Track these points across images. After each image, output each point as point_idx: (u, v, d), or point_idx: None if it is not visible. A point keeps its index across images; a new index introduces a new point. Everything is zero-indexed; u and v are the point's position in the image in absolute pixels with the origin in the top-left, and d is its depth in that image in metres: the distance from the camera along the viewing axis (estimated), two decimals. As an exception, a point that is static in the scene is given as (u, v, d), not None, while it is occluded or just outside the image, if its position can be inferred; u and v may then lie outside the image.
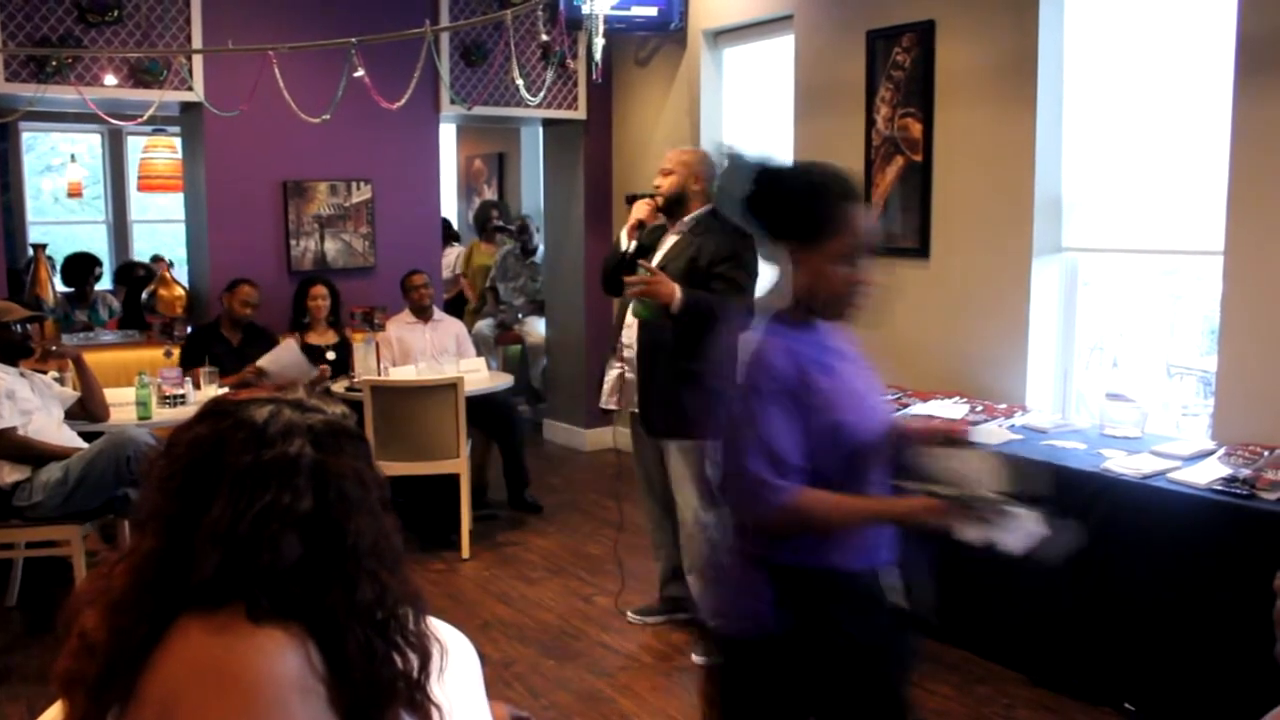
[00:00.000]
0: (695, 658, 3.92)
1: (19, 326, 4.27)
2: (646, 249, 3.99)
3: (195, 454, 1.20)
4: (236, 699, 1.10)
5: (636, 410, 3.98)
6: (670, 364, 3.79)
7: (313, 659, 1.15)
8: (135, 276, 7.83)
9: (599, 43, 3.53)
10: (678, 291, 3.67)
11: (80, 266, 7.51)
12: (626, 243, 3.98)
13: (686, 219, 3.93)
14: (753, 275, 3.81)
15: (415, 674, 1.23)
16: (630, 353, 3.94)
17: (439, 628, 1.38)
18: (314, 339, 5.70)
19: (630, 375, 3.96)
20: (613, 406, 4.09)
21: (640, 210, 3.95)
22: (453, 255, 8.56)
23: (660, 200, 3.92)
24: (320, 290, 5.71)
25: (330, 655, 1.16)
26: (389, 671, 1.20)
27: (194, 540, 1.15)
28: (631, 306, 3.85)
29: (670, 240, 3.95)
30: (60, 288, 7.46)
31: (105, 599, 1.20)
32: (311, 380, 5.19)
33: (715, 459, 3.28)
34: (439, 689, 1.26)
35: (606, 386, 4.06)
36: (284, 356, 5.09)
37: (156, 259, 7.74)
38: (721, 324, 3.71)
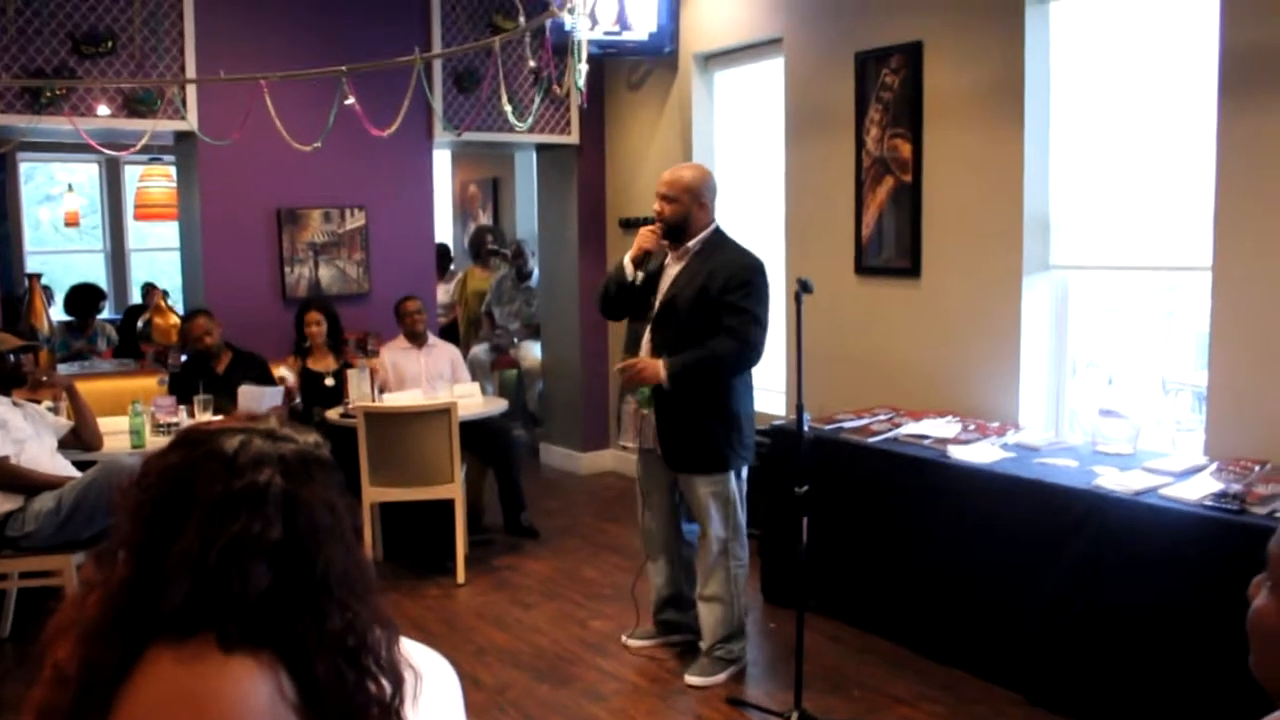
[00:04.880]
0: (688, 679, 3.91)
1: (12, 356, 4.28)
2: (652, 277, 3.94)
3: (166, 483, 1.20)
4: None
5: (649, 446, 3.95)
6: (688, 400, 3.79)
7: (284, 687, 1.15)
8: (130, 305, 7.88)
9: (582, 68, 3.54)
10: (662, 369, 3.71)
11: (85, 298, 7.56)
12: (632, 273, 3.93)
13: (691, 243, 3.85)
14: (765, 302, 3.80)
15: (388, 700, 1.23)
16: (643, 410, 3.92)
17: (417, 652, 1.37)
18: (314, 365, 5.71)
19: (645, 412, 3.92)
20: (632, 444, 4.06)
21: (646, 239, 3.87)
22: (454, 282, 8.61)
23: (662, 228, 3.84)
24: (315, 316, 5.71)
25: (302, 683, 1.16)
26: (361, 699, 1.20)
27: (164, 569, 1.15)
28: (636, 401, 3.87)
29: (675, 268, 3.88)
30: (62, 317, 7.52)
31: (77, 629, 1.20)
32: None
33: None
34: (414, 715, 1.26)
35: (625, 423, 4.03)
36: (248, 403, 5.03)
37: (150, 287, 7.78)
38: (719, 369, 3.73)
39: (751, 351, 3.75)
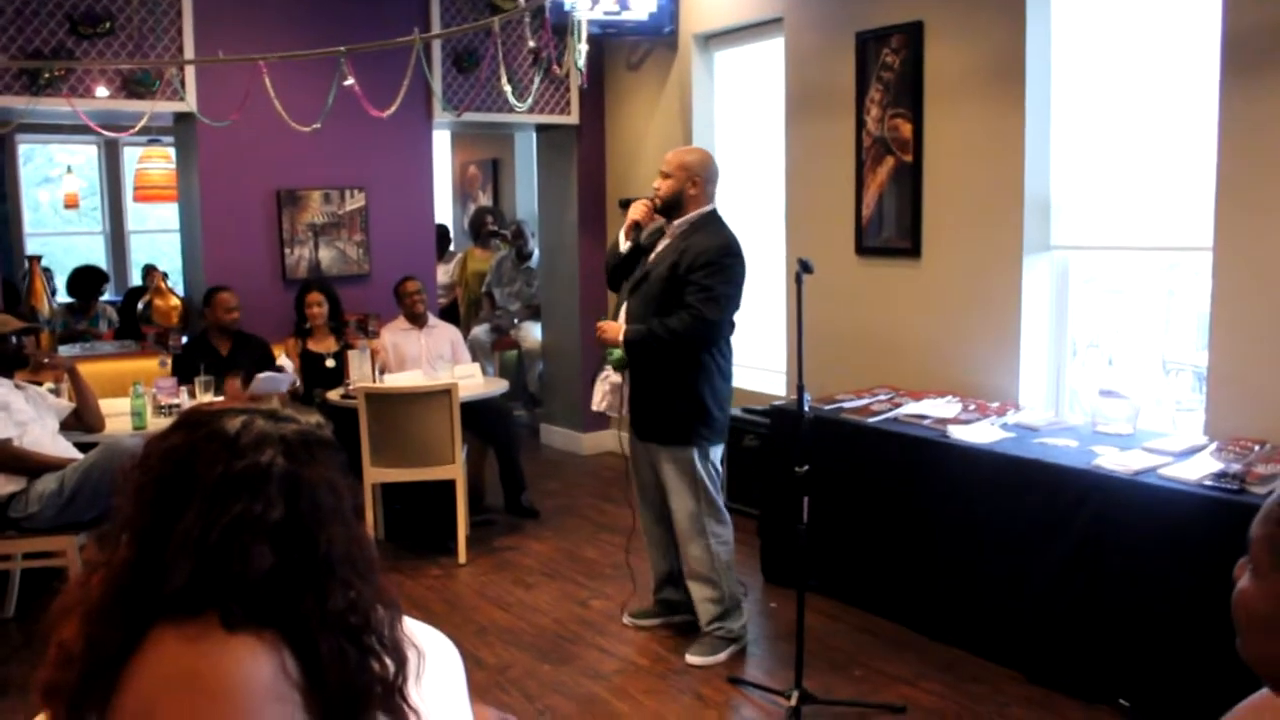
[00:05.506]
0: (689, 658, 3.93)
1: (14, 338, 4.28)
2: (645, 250, 4.02)
3: (168, 465, 1.21)
4: (210, 707, 1.10)
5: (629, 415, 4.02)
6: (658, 372, 3.84)
7: (287, 666, 1.16)
8: (131, 286, 7.88)
9: (582, 48, 3.54)
10: (621, 333, 3.84)
11: (88, 280, 7.56)
12: (624, 243, 4.02)
13: (679, 222, 3.93)
14: (732, 283, 3.83)
15: (391, 679, 1.23)
16: (615, 370, 3.99)
17: (419, 631, 1.38)
18: (315, 346, 5.72)
19: (618, 381, 3.99)
20: (605, 410, 4.12)
21: (636, 211, 3.97)
22: (453, 263, 8.61)
23: (657, 202, 3.93)
24: (316, 297, 5.73)
25: (305, 662, 1.17)
26: (364, 677, 1.20)
27: (166, 550, 1.16)
28: (610, 361, 3.98)
29: (663, 244, 3.97)
30: (64, 299, 7.52)
31: (82, 609, 1.20)
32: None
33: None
34: (417, 693, 1.27)
35: (597, 390, 4.10)
36: (263, 391, 5.06)
37: (150, 269, 7.79)
38: (673, 343, 3.75)
39: (707, 329, 3.78)
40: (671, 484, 3.94)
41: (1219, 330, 3.86)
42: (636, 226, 4.00)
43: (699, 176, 3.91)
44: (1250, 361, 3.75)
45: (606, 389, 4.06)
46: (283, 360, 5.47)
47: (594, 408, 4.17)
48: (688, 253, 3.82)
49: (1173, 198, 4.08)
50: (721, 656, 3.94)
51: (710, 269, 3.77)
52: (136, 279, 9.08)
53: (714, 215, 3.97)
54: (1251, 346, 3.74)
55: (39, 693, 1.22)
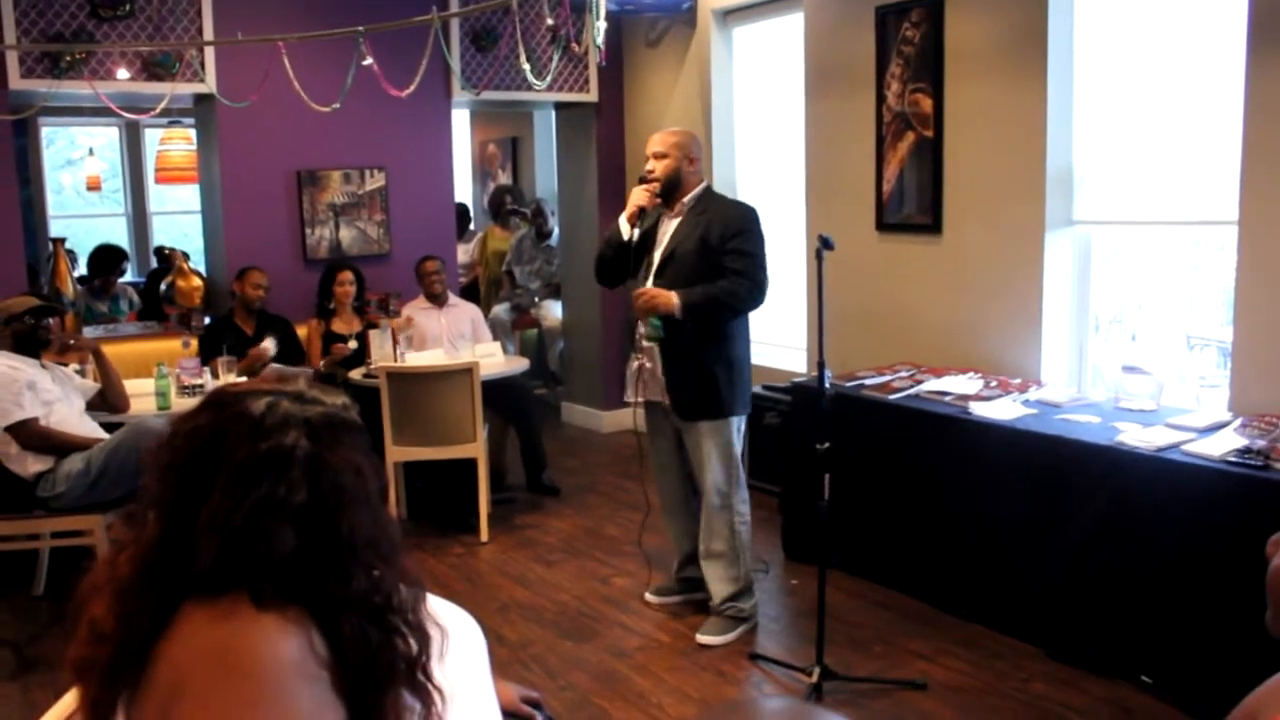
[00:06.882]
0: (700, 638, 3.94)
1: (27, 317, 4.29)
2: (645, 236, 4.00)
3: (194, 445, 1.22)
4: (240, 682, 1.12)
5: (654, 399, 4.00)
6: (694, 346, 3.83)
7: (315, 643, 1.17)
8: (153, 268, 7.92)
9: (601, 25, 3.52)
10: (674, 298, 3.76)
11: (107, 259, 7.60)
12: (629, 230, 3.98)
13: (686, 199, 3.94)
14: (762, 244, 3.90)
15: (415, 657, 1.25)
16: (648, 343, 3.96)
17: (443, 609, 1.39)
18: (338, 326, 5.74)
19: (649, 365, 3.97)
20: (634, 398, 4.09)
21: (641, 197, 3.93)
22: (473, 242, 8.61)
23: (657, 185, 3.91)
24: (347, 275, 5.77)
25: (331, 641, 1.18)
26: (388, 656, 1.21)
27: (193, 530, 1.17)
28: (644, 332, 3.91)
29: (673, 224, 3.95)
30: (83, 274, 7.56)
31: (112, 587, 1.22)
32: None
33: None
34: (440, 671, 1.28)
35: (630, 381, 4.08)
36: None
37: (162, 250, 7.83)
38: (726, 308, 3.77)
39: (759, 291, 3.84)
40: (708, 459, 3.92)
41: (1244, 305, 3.82)
42: (642, 212, 3.97)
43: (693, 154, 3.95)
44: (1276, 337, 3.72)
45: (642, 376, 4.01)
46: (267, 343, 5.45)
47: (626, 399, 4.14)
48: (714, 225, 3.83)
49: (1197, 171, 4.04)
50: (732, 636, 3.95)
51: (745, 235, 3.82)
52: (154, 261, 9.13)
53: (712, 190, 4.05)
54: (1277, 321, 3.71)
55: (71, 669, 1.24)
